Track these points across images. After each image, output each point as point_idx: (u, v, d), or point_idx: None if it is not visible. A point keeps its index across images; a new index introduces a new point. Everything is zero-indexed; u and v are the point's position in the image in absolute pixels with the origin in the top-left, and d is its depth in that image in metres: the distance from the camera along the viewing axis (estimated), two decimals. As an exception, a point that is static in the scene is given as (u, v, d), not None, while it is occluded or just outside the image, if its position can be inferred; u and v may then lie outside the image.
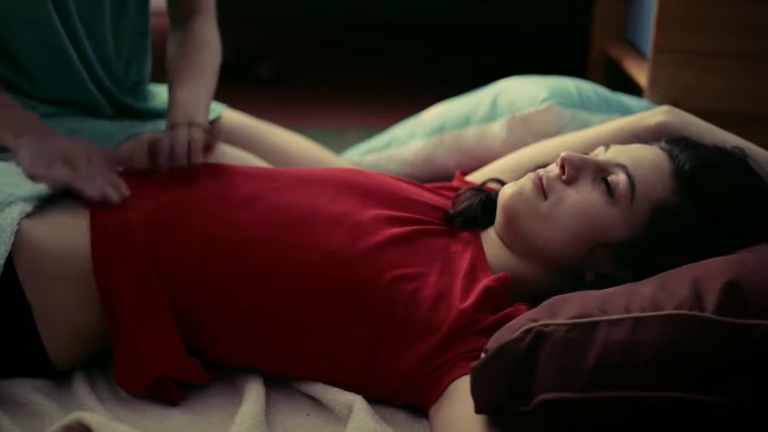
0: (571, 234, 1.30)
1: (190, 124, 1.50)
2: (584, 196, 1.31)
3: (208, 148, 1.49)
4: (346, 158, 2.01)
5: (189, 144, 1.45)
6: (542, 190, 1.33)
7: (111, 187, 1.36)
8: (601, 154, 1.35)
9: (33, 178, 1.35)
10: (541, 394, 1.07)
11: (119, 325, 1.30)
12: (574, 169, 1.32)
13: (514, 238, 1.35)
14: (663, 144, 1.36)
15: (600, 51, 3.06)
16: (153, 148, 1.44)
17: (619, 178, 1.30)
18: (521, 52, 3.74)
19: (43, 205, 1.36)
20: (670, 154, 1.34)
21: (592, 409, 1.06)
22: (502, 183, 1.50)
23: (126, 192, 1.37)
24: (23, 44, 1.57)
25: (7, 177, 1.38)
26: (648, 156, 1.33)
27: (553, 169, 1.34)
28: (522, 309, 1.27)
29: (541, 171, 1.35)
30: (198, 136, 1.47)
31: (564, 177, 1.32)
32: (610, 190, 1.30)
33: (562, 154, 1.33)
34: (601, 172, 1.32)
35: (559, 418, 1.08)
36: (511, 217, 1.34)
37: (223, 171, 1.45)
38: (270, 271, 1.31)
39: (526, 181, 1.35)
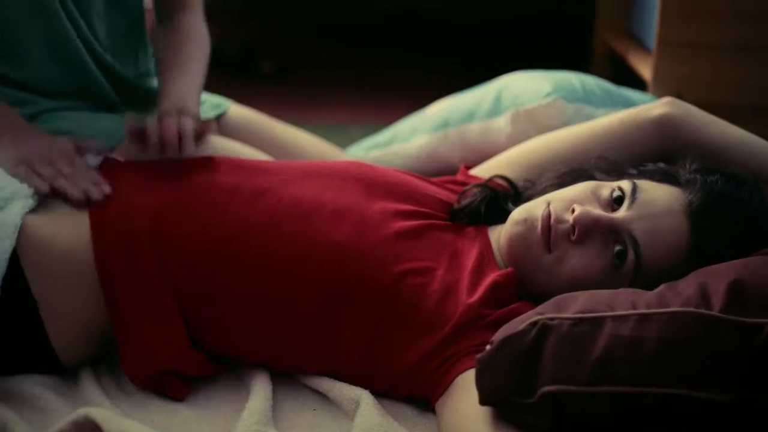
0: (569, 287, 1.25)
1: (180, 112, 1.50)
2: (588, 261, 1.27)
3: (200, 137, 1.49)
4: (350, 154, 2.01)
5: (179, 133, 1.45)
6: (548, 243, 1.29)
7: (93, 186, 1.36)
8: (621, 212, 1.28)
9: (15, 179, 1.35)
10: (545, 387, 1.07)
11: (123, 320, 1.30)
12: (584, 233, 1.27)
13: (515, 270, 1.33)
14: (692, 207, 1.28)
15: (603, 44, 3.05)
16: (142, 138, 1.45)
17: (628, 255, 1.27)
18: (525, 46, 3.74)
19: (45, 199, 1.36)
20: (693, 228, 1.28)
21: (596, 402, 1.07)
22: (507, 179, 1.50)
23: (107, 190, 1.37)
24: (23, 31, 1.54)
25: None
26: (668, 227, 1.28)
27: (565, 218, 1.29)
28: (530, 305, 1.27)
29: (552, 216, 1.28)
30: (188, 124, 1.47)
31: (573, 237, 1.27)
32: (616, 264, 1.27)
33: (576, 212, 1.27)
34: (612, 236, 1.28)
35: (563, 411, 1.08)
36: (512, 256, 1.32)
37: (228, 164, 1.45)
38: (275, 263, 1.31)
39: (535, 222, 1.30)
